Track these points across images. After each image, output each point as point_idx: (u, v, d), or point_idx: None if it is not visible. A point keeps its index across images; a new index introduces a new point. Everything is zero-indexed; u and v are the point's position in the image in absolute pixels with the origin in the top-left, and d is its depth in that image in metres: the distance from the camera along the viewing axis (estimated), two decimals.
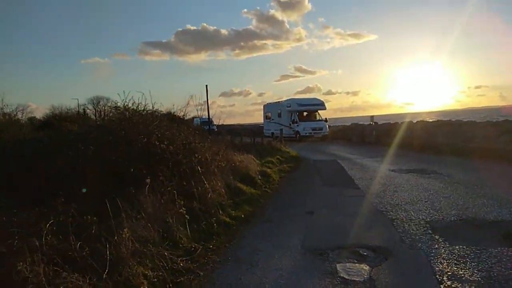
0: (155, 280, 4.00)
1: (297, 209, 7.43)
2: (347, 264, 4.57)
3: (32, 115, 29.83)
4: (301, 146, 22.25)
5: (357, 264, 4.55)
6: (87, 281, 3.43)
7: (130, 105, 7.76)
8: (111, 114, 9.21)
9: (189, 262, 4.62)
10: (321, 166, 14.03)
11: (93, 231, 4.01)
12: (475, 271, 4.17)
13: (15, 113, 22.84)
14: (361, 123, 29.67)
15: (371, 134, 23.78)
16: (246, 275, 4.37)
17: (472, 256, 4.57)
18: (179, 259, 4.59)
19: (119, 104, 8.05)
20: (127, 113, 7.72)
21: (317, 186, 10.07)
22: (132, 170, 6.00)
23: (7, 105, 19.75)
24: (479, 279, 3.97)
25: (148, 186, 5.59)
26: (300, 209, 7.38)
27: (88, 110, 35.45)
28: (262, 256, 4.93)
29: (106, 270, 3.66)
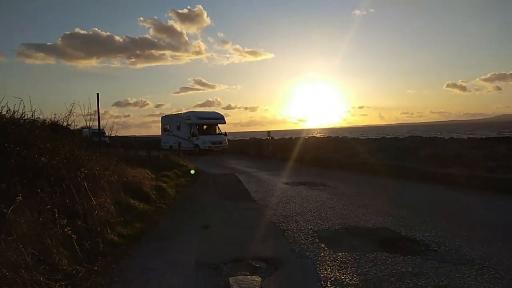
0: None
1: (192, 224, 7.29)
2: (240, 277, 4.59)
3: None
4: (200, 159, 22.13)
5: (249, 276, 4.60)
6: None
7: (4, 112, 6.84)
8: None
9: (69, 286, 4.18)
10: (219, 180, 14.10)
11: None
12: (355, 275, 4.51)
13: None
14: (259, 137, 30.72)
15: (268, 148, 24.76)
16: None
17: (353, 262, 4.95)
18: (57, 284, 4.12)
19: None
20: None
21: (214, 200, 10.05)
22: (3, 186, 5.28)
23: None
24: (358, 282, 4.30)
25: (22, 204, 4.95)
26: (196, 224, 7.26)
27: None
28: (153, 275, 4.69)
29: None
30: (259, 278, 4.54)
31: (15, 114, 7.07)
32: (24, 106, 7.12)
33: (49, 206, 5.29)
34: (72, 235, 5.03)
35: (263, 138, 27.77)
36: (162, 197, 9.63)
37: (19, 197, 4.74)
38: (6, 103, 6.90)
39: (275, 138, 27.61)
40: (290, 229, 6.66)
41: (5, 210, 4.81)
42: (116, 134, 13.83)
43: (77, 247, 4.99)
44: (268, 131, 26.80)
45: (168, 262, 5.17)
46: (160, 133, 33.27)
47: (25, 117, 7.32)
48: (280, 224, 7.04)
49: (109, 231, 5.93)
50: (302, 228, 6.72)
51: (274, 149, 24.32)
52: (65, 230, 5.04)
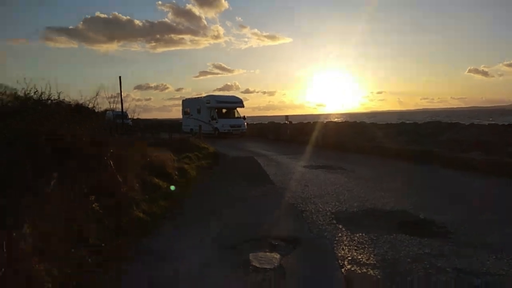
0: (60, 276, 3.77)
1: (213, 204, 7.51)
2: (259, 253, 4.76)
3: None
4: (220, 142, 22.34)
5: (268, 253, 4.77)
6: None
7: (32, 94, 7.12)
8: (9, 104, 8.34)
9: (98, 257, 4.42)
10: (238, 162, 14.27)
11: None
12: (372, 255, 4.62)
13: None
14: (277, 122, 30.72)
15: (286, 132, 24.78)
16: (158, 269, 4.33)
17: (370, 243, 5.06)
18: (87, 255, 4.37)
19: (19, 93, 7.33)
20: (28, 102, 7.07)
21: (233, 182, 10.23)
22: (38, 162, 5.56)
23: None
24: (375, 262, 4.41)
25: (55, 179, 5.23)
26: (216, 204, 7.47)
27: None
28: (176, 250, 4.91)
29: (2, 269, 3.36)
30: (278, 255, 4.70)
31: (42, 96, 7.35)
32: (50, 88, 7.40)
33: (77, 183, 5.55)
34: (100, 211, 5.28)
35: (282, 122, 27.76)
36: (184, 177, 9.88)
37: (55, 173, 4.99)
38: (34, 85, 7.19)
39: (293, 122, 27.55)
40: (308, 211, 6.78)
41: (39, 185, 5.09)
42: (138, 117, 14.19)
43: (106, 222, 5.25)
44: (287, 116, 26.74)
45: (190, 239, 5.38)
46: (181, 116, 33.62)
47: (52, 98, 7.61)
48: (299, 206, 7.17)
49: (135, 208, 6.18)
50: (320, 209, 6.83)
51: (292, 133, 24.32)
52: (94, 206, 5.30)
